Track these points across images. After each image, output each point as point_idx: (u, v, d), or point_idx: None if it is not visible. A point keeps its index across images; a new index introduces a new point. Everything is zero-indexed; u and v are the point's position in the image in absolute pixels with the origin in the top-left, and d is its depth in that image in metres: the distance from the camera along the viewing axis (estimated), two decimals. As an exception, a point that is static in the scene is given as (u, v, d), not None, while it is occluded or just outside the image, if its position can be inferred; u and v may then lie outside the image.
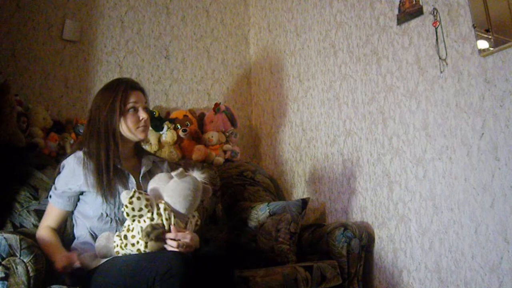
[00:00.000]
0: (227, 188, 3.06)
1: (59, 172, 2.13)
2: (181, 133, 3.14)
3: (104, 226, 2.04)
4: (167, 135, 3.08)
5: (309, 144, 3.20)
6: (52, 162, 2.57)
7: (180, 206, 1.93)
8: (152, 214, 1.87)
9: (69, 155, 2.13)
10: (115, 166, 2.07)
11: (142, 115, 2.12)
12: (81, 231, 2.10)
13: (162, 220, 1.87)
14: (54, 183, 2.13)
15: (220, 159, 3.27)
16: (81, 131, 2.87)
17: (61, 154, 2.72)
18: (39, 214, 2.28)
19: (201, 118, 3.44)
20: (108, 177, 2.03)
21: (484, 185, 2.11)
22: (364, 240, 2.56)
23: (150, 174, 2.15)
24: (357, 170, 2.81)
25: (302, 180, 3.23)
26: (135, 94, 2.14)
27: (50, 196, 2.12)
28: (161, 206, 1.89)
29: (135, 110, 2.12)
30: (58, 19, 3.02)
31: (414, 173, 2.45)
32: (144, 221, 1.86)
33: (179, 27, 3.56)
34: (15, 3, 2.88)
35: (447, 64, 2.33)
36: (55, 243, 2.03)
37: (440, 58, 2.36)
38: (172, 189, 1.94)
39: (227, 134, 3.38)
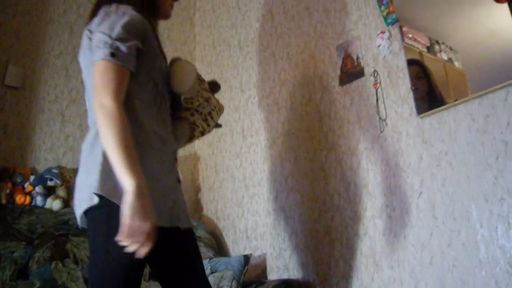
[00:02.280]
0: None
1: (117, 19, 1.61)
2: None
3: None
4: (108, 187, 3.02)
5: (252, 199, 3.19)
6: (-15, 212, 2.47)
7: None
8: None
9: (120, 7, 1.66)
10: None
11: None
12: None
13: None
14: (114, 32, 1.57)
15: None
16: (18, 180, 2.79)
17: (-5, 204, 2.62)
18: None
19: (143, 170, 3.40)
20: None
21: (422, 242, 2.16)
22: (305, 297, 2.54)
23: None
24: (299, 227, 2.81)
25: (244, 236, 3.20)
26: None
27: (113, 54, 1.54)
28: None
29: None
30: (0, 64, 2.97)
31: (354, 230, 2.48)
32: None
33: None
34: (-43, 47, 2.83)
35: (386, 124, 2.41)
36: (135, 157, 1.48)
37: (380, 118, 2.44)
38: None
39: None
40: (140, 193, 1.40)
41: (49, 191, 2.87)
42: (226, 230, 3.38)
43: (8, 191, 2.72)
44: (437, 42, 2.22)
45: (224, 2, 3.82)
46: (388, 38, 2.43)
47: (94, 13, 1.70)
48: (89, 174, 1.55)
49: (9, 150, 2.92)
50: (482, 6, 2.03)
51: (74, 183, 2.92)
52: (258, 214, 3.12)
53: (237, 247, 3.25)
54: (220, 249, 3.25)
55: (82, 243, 2.66)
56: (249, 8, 3.51)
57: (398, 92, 2.37)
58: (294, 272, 2.78)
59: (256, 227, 3.12)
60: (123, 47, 1.56)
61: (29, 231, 2.61)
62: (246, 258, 2.70)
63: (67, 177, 2.98)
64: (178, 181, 1.74)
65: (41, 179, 2.85)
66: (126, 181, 1.41)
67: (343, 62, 2.68)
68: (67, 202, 2.90)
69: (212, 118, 2.02)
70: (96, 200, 1.50)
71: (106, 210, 1.49)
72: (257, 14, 3.43)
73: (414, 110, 2.27)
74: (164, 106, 1.75)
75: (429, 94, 2.23)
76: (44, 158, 3.07)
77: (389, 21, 2.42)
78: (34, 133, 3.05)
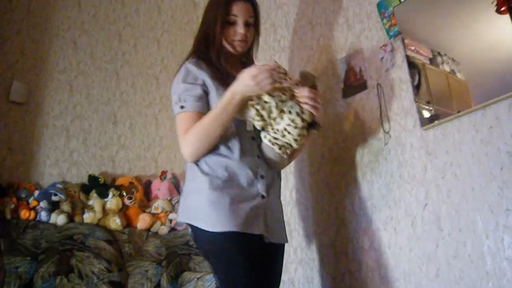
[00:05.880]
0: (173, 258, 2.99)
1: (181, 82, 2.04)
2: (126, 201, 3.09)
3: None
4: (112, 202, 3.03)
5: (256, 213, 3.18)
6: (-11, 228, 2.48)
7: None
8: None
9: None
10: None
11: (239, 30, 2.09)
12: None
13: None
14: (179, 94, 2.02)
15: (165, 228, 3.22)
16: (23, 195, 2.79)
17: (0, 219, 2.63)
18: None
19: (147, 185, 3.41)
20: (225, 69, 2.07)
21: (428, 255, 2.15)
22: (310, 311, 2.53)
23: None
24: (304, 241, 2.81)
25: (249, 250, 3.19)
26: (238, 6, 2.09)
27: (183, 107, 1.99)
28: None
29: (234, 23, 2.09)
30: (5, 80, 2.99)
31: (360, 243, 2.47)
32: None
33: (128, 93, 3.58)
34: (-38, 62, 2.85)
35: (390, 136, 2.41)
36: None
37: (384, 130, 2.43)
38: None
39: (173, 202, 3.35)
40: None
41: (54, 206, 2.88)
42: (230, 244, 3.37)
43: (12, 206, 2.73)
44: (439, 53, 2.22)
45: (227, 17, 3.84)
46: (391, 51, 2.44)
47: None
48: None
49: (13, 165, 2.94)
50: (483, 17, 2.03)
51: (78, 198, 2.93)
52: (263, 228, 3.11)
53: (242, 262, 3.23)
54: (225, 263, 3.24)
55: (86, 258, 2.66)
56: (252, 23, 3.53)
57: (402, 105, 2.37)
58: (299, 286, 2.77)
59: (260, 241, 3.11)
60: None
61: (34, 246, 2.61)
62: (251, 272, 2.69)
63: (72, 192, 2.99)
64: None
65: (45, 194, 2.85)
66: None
67: (346, 75, 2.68)
68: (72, 217, 2.90)
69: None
70: None
71: None
72: (260, 28, 3.44)
73: (418, 122, 2.27)
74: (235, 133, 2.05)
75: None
76: (48, 173, 3.08)
77: (391, 33, 2.43)
78: (39, 148, 3.06)
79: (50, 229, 2.76)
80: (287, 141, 2.01)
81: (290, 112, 1.94)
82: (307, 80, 2.05)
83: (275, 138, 2.01)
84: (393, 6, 2.41)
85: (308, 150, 2.85)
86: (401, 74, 2.39)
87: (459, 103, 2.13)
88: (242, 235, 1.87)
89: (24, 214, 2.75)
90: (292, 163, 2.94)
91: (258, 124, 1.98)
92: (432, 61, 2.26)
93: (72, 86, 3.31)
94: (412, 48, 2.31)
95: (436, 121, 2.18)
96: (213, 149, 1.99)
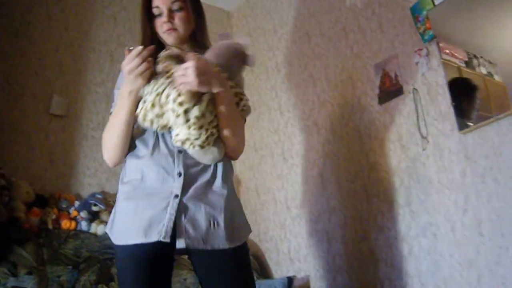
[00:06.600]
0: (210, 266, 3.00)
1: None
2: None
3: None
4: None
5: (294, 221, 3.18)
6: (32, 237, 2.53)
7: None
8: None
9: None
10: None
11: (162, 19, 1.90)
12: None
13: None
14: (113, 102, 1.91)
15: (204, 237, 3.23)
16: (64, 206, 2.86)
17: (43, 229, 2.68)
18: (17, 291, 2.21)
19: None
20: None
21: (469, 261, 2.11)
22: (350, 319, 2.51)
23: None
24: (342, 248, 2.79)
25: (287, 258, 3.19)
26: None
27: (111, 112, 1.86)
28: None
29: (160, 15, 1.91)
30: (46, 94, 3.07)
31: (399, 250, 2.44)
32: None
33: (165, 104, 3.62)
34: (5, 79, 2.93)
35: (428, 141, 2.38)
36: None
37: (421, 135, 2.41)
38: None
39: (210, 211, 3.35)
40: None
41: (94, 216, 2.93)
42: (268, 252, 3.37)
43: (54, 216, 2.79)
44: (475, 56, 2.19)
45: (260, 25, 3.87)
46: (426, 55, 2.41)
47: None
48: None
49: (54, 176, 3.00)
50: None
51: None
52: (301, 235, 3.11)
53: (280, 269, 3.23)
54: (262, 271, 3.24)
55: (126, 267, 2.69)
56: (285, 31, 3.55)
57: (439, 109, 2.35)
58: (338, 294, 2.75)
59: (299, 249, 3.10)
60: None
61: (75, 255, 2.66)
62: (290, 280, 2.69)
63: (111, 202, 3.03)
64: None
65: (85, 205, 2.91)
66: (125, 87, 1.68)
67: (381, 81, 2.67)
68: (111, 226, 2.95)
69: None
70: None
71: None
72: (294, 36, 3.46)
73: (456, 126, 2.24)
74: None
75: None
76: (88, 184, 3.14)
77: (426, 37, 2.41)
78: (78, 159, 3.12)
79: (90, 239, 2.81)
80: (187, 133, 1.62)
81: (167, 102, 1.61)
82: (177, 58, 1.72)
83: (177, 135, 1.64)
84: (426, 10, 2.39)
85: (345, 157, 2.84)
86: (437, 78, 2.36)
87: (498, 106, 2.09)
88: (139, 246, 1.71)
89: (65, 224, 2.81)
90: (329, 170, 2.93)
91: (155, 128, 1.67)
92: (468, 64, 2.23)
93: (110, 98, 3.37)
94: (447, 51, 2.29)
95: (475, 125, 2.15)
96: (134, 152, 1.84)
